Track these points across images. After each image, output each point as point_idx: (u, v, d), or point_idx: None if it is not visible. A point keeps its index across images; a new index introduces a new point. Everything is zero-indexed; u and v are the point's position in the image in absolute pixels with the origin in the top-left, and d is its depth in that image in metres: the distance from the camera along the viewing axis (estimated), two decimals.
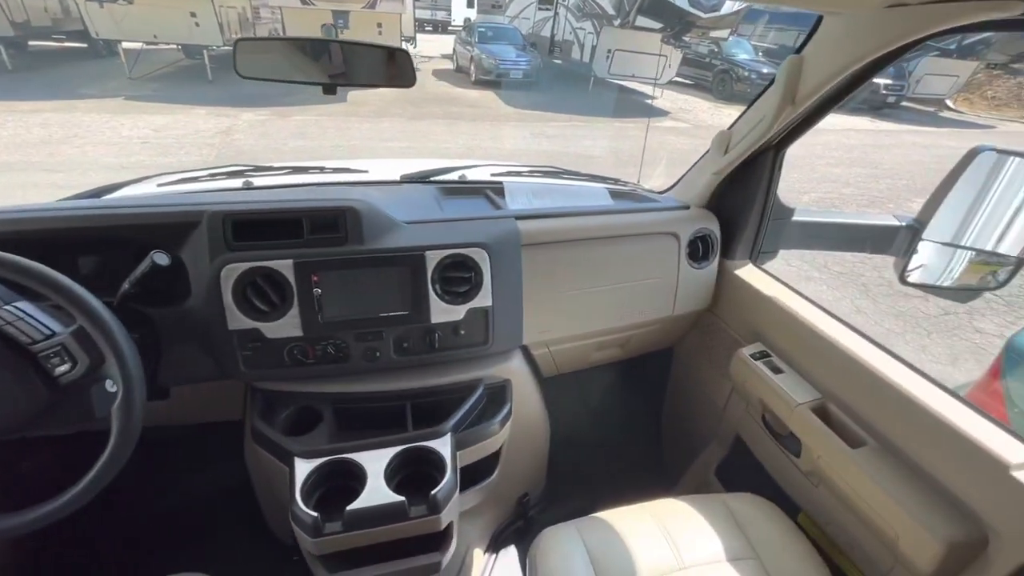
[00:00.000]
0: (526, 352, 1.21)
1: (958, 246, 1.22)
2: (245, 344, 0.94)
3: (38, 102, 6.95)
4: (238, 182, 1.24)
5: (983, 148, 1.11)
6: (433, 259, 0.98)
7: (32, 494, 0.73)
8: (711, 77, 11.94)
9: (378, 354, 1.00)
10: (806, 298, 1.17)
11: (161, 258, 0.83)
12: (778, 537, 0.98)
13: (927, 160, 7.75)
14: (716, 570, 0.93)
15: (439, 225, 1.05)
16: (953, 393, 0.88)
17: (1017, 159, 1.13)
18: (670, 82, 11.46)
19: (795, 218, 1.27)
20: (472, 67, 11.11)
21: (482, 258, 1.01)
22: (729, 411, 1.33)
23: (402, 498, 0.85)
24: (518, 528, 1.40)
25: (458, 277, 1.01)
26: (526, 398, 1.21)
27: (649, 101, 10.86)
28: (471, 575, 1.25)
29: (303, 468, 0.89)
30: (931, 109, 12.76)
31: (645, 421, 1.69)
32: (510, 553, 1.35)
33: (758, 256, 1.30)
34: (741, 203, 1.23)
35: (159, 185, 1.24)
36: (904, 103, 11.99)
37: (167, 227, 0.91)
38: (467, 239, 1.01)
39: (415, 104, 8.90)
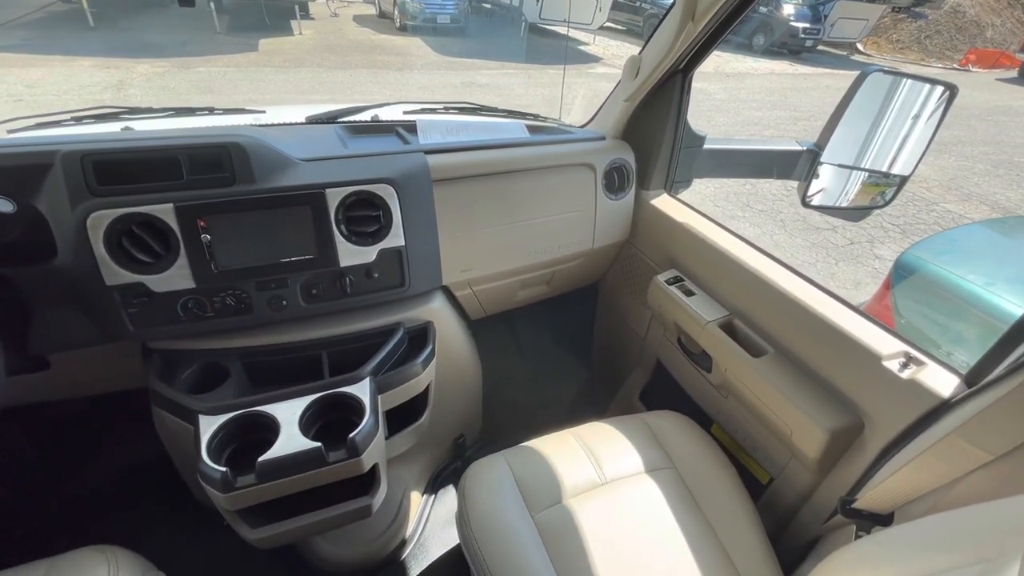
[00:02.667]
0: (448, 293, 1.19)
1: (852, 167, 1.30)
2: (129, 300, 0.85)
3: None
4: (115, 126, 1.10)
5: (872, 70, 1.16)
6: (335, 197, 0.92)
7: None
8: (642, 22, 11.85)
9: (285, 303, 0.95)
10: (716, 222, 1.21)
11: (2, 204, 0.72)
12: (692, 447, 1.05)
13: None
14: (636, 481, 0.98)
15: (340, 162, 0.98)
16: (840, 298, 0.95)
17: (909, 80, 1.20)
18: (602, 28, 11.28)
19: (706, 146, 1.30)
20: (396, 12, 10.39)
21: (389, 195, 0.96)
22: (649, 338, 1.38)
23: (318, 444, 0.83)
24: (456, 469, 1.42)
25: (365, 216, 0.95)
26: (452, 339, 1.20)
27: (581, 47, 10.68)
28: (409, 517, 1.27)
29: (208, 424, 0.84)
30: (844, 53, 13.40)
31: (577, 356, 1.74)
32: (449, 493, 1.38)
33: (672, 185, 1.33)
34: (654, 132, 1.24)
35: (9, 132, 1.08)
36: (820, 47, 12.50)
37: (7, 170, 0.79)
38: (371, 175, 0.95)
39: (336, 53, 8.28)
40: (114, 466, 1.39)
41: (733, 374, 1.05)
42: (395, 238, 0.98)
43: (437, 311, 1.13)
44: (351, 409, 0.91)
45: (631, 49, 10.85)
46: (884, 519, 0.78)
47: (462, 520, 0.93)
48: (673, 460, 1.03)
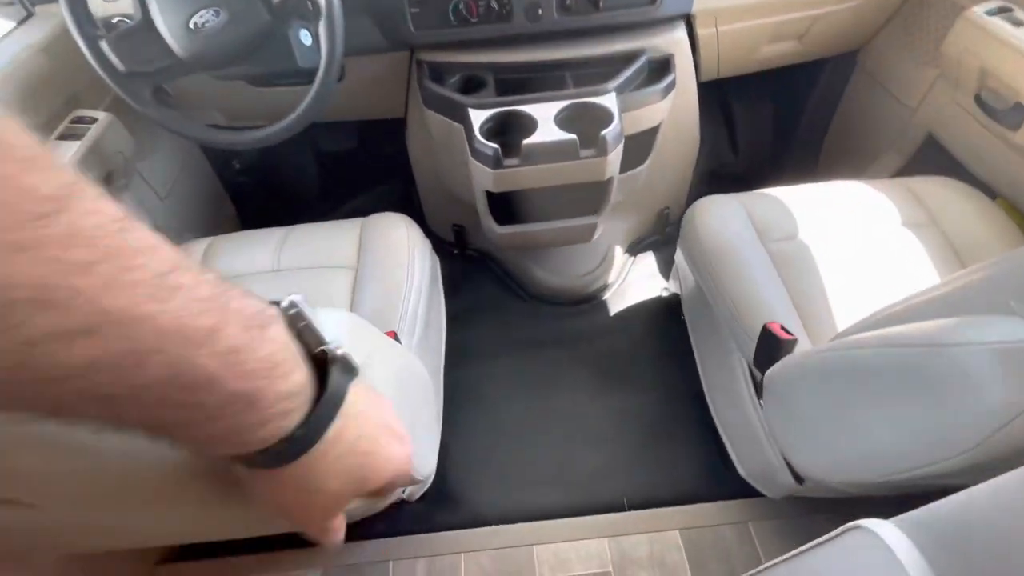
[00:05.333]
0: (691, 30, 1.09)
1: None
2: (414, 1, 0.95)
3: None
4: None
5: None
6: None
7: None
8: None
9: (540, 11, 0.97)
10: None
11: None
12: (967, 210, 0.91)
13: None
14: (888, 230, 0.90)
15: None
16: None
17: None
18: None
19: None
20: None
21: None
22: (923, 108, 1.15)
23: (574, 136, 0.89)
24: (655, 241, 1.47)
25: None
26: (683, 91, 1.13)
27: None
28: (612, 267, 1.37)
29: (478, 116, 0.95)
30: None
31: (803, 147, 1.55)
32: (648, 258, 1.45)
33: None
34: None
35: None
36: None
37: None
38: None
39: None
40: (365, 181, 1.64)
41: None
42: None
43: (678, 43, 1.06)
44: (598, 119, 0.94)
45: None
46: None
47: (690, 240, 0.97)
48: (938, 220, 0.91)
